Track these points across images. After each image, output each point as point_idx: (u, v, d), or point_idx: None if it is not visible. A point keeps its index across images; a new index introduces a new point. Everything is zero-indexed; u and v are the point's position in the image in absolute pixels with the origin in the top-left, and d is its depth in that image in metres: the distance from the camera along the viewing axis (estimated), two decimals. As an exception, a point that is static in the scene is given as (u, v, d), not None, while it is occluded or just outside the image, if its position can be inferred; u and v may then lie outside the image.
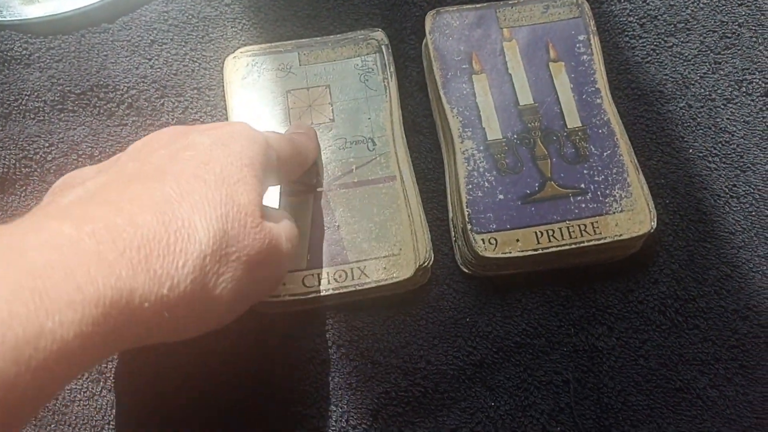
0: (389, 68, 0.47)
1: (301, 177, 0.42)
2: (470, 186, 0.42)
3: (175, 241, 0.26)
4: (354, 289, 0.40)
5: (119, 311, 0.24)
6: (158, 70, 0.49)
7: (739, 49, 0.48)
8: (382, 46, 0.47)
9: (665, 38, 0.49)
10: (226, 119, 0.47)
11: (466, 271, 0.42)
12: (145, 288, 0.25)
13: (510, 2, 0.48)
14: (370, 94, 0.46)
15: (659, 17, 0.49)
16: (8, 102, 0.48)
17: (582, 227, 0.41)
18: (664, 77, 0.47)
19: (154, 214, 0.26)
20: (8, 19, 0.51)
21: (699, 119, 0.46)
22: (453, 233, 0.43)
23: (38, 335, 0.21)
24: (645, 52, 0.48)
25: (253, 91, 0.47)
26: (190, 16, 0.51)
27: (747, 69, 0.48)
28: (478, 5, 0.48)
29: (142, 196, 0.27)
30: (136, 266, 0.25)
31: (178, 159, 0.30)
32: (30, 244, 0.23)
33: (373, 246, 0.41)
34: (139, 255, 0.25)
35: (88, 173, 0.33)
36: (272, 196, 0.43)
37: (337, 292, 0.40)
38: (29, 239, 0.24)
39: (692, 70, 0.48)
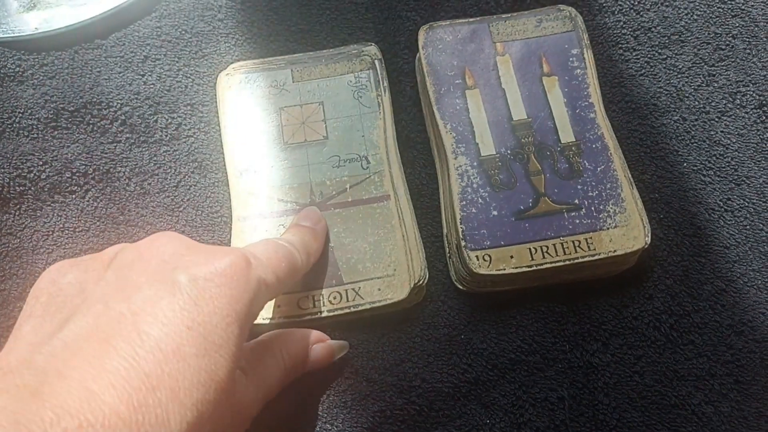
0: (383, 84, 0.47)
1: None
2: (464, 202, 0.42)
3: None
4: (349, 310, 0.40)
5: None
6: (151, 86, 0.49)
7: (733, 61, 0.48)
8: (376, 62, 0.47)
9: (659, 50, 0.49)
10: (219, 136, 0.47)
11: (461, 287, 0.42)
12: None
13: (503, 16, 0.48)
14: (364, 111, 0.46)
15: (653, 29, 0.49)
16: (2, 120, 0.48)
17: (576, 243, 0.41)
18: (658, 90, 0.47)
19: (123, 398, 0.24)
20: (0, 36, 0.51)
21: (693, 132, 0.46)
22: (447, 249, 0.43)
23: None
24: (639, 65, 0.48)
25: (246, 108, 0.46)
26: (183, 32, 0.51)
27: (741, 81, 0.47)
28: (471, 19, 0.47)
29: (117, 371, 0.25)
30: None
31: (161, 314, 0.27)
32: None
33: (368, 267, 0.41)
34: None
35: (72, 281, 0.30)
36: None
37: (332, 314, 0.40)
38: None
39: (686, 82, 0.48)
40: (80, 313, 0.27)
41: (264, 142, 0.45)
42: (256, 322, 0.39)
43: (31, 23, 0.51)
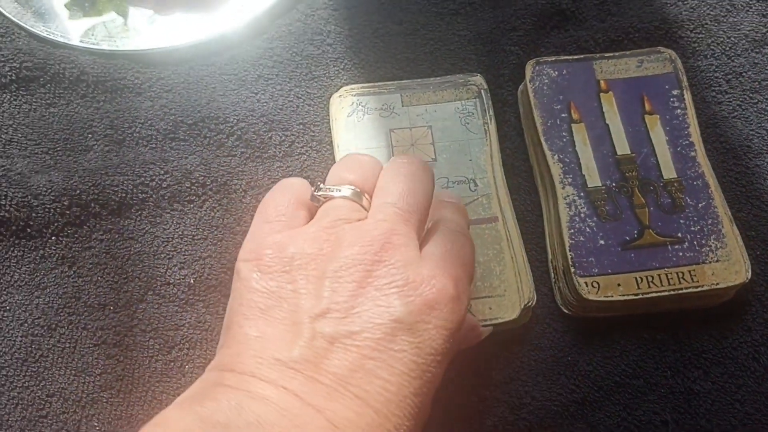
0: (489, 112, 0.49)
1: None
2: (572, 230, 0.44)
3: None
4: None
5: None
6: (265, 104, 0.51)
7: (821, 109, 0.51)
8: (482, 91, 0.50)
9: (750, 95, 0.51)
10: (332, 154, 0.49)
11: (566, 311, 0.44)
12: None
13: (606, 55, 0.50)
14: (471, 137, 0.48)
15: (744, 74, 0.52)
16: (122, 129, 0.50)
17: (680, 275, 0.43)
18: (750, 132, 0.50)
19: None
20: (121, 48, 0.53)
21: (786, 175, 0.48)
22: (553, 275, 0.45)
23: None
24: (731, 107, 0.51)
25: (358, 128, 0.49)
26: (294, 54, 0.53)
27: (829, 128, 0.50)
28: (576, 56, 0.50)
29: (349, 409, 0.28)
30: None
31: (389, 357, 0.29)
32: None
33: (478, 286, 0.43)
34: None
35: (283, 282, 0.32)
36: None
37: None
38: None
39: (776, 126, 0.50)
40: (303, 337, 0.29)
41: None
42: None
43: (152, 39, 0.54)
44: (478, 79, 0.50)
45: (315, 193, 0.36)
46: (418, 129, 0.49)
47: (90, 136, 0.50)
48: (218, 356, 0.31)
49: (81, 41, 0.53)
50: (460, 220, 0.38)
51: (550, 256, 0.46)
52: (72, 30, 0.54)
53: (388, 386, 0.28)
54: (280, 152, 0.50)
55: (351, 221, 0.34)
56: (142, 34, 0.54)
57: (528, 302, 0.43)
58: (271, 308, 0.31)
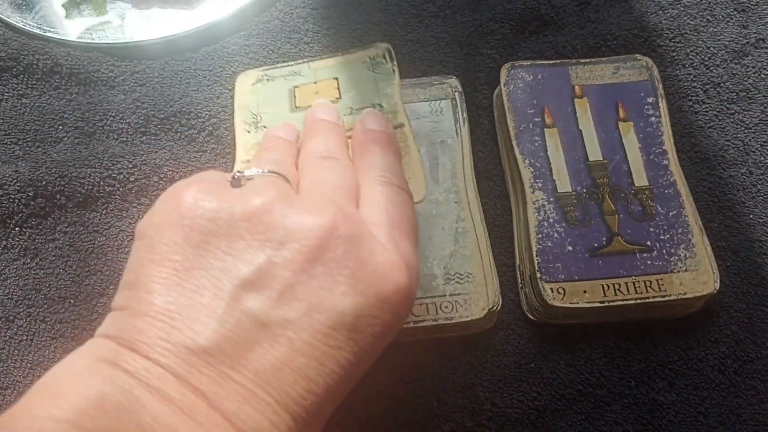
0: (462, 114, 0.49)
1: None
2: (540, 235, 0.44)
3: None
4: (429, 324, 0.41)
5: None
6: (238, 101, 0.51)
7: (798, 121, 0.50)
8: (456, 93, 0.49)
9: (728, 105, 0.51)
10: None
11: (531, 317, 0.44)
12: None
13: (582, 61, 0.50)
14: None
15: (722, 85, 0.51)
16: (93, 121, 0.50)
17: (647, 283, 0.42)
18: (725, 143, 0.49)
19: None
20: (96, 41, 0.53)
21: (759, 186, 0.48)
22: (520, 280, 0.45)
23: None
24: (708, 118, 0.50)
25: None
26: (270, 51, 0.53)
27: (806, 141, 0.49)
28: (551, 61, 0.50)
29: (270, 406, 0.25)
30: None
31: (320, 353, 0.25)
32: None
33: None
34: None
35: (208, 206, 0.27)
36: None
37: (408, 326, 0.41)
38: None
39: (753, 138, 0.49)
40: (224, 314, 0.25)
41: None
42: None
43: (128, 33, 0.53)
44: (454, 81, 0.50)
45: (235, 176, 0.31)
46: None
47: (60, 127, 0.50)
48: (115, 318, 0.27)
49: (56, 33, 0.53)
50: (398, 170, 0.33)
51: (517, 261, 0.45)
52: (47, 21, 0.54)
53: (314, 388, 0.25)
54: (250, 149, 0.49)
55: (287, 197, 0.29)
56: (119, 27, 0.54)
57: (493, 307, 0.42)
58: (190, 270, 0.26)
